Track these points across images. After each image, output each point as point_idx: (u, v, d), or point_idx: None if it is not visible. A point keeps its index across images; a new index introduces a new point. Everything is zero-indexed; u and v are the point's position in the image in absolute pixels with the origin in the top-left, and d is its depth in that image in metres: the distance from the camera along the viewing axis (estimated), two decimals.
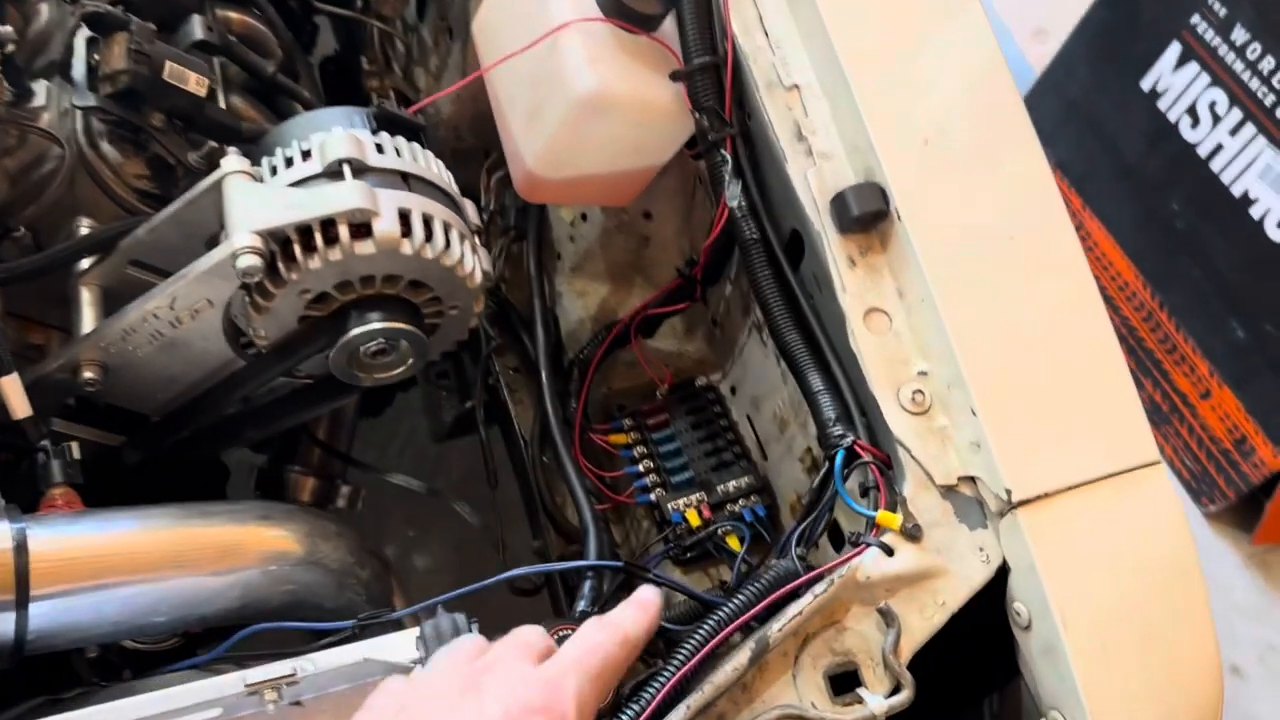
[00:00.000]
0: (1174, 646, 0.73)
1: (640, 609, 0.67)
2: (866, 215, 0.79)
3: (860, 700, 0.70)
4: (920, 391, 0.77)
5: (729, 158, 0.85)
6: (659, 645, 0.92)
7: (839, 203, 0.80)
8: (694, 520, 0.96)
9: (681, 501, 0.97)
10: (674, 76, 0.87)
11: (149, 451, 0.89)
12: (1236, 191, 1.88)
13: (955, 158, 0.81)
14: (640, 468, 1.00)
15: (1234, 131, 1.88)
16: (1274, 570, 1.91)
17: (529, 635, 0.63)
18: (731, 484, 0.99)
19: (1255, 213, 1.85)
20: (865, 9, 0.85)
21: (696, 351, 1.10)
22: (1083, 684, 0.70)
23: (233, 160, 0.80)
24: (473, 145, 1.18)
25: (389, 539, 1.37)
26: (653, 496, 0.98)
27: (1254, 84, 1.84)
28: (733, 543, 0.94)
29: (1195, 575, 0.75)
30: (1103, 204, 2.12)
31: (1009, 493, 0.73)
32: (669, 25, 0.87)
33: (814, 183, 0.82)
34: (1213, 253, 1.92)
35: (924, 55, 0.85)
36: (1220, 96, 1.90)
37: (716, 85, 0.86)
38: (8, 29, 0.84)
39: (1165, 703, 0.72)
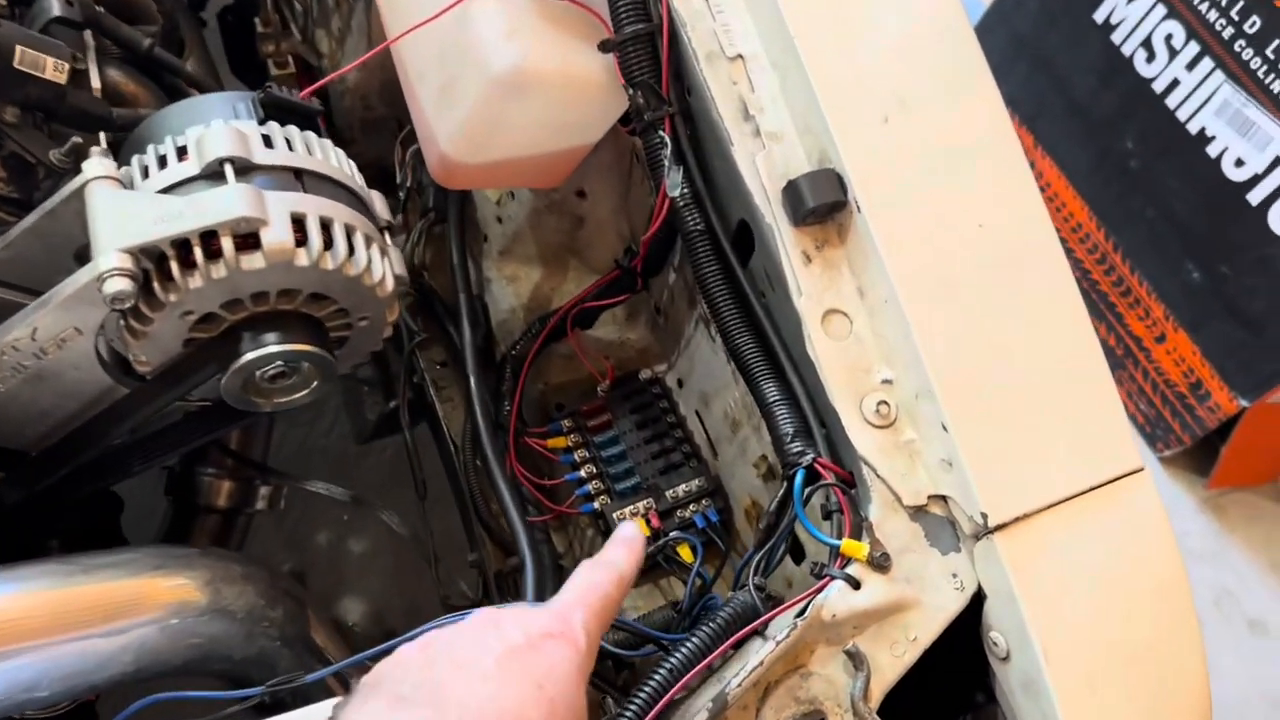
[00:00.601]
0: (1164, 678, 0.68)
1: (627, 547, 0.67)
2: (823, 206, 0.71)
3: None
4: (885, 403, 0.70)
5: (668, 140, 0.76)
6: (609, 669, 0.85)
7: (791, 192, 0.71)
8: (643, 531, 0.88)
9: (628, 510, 0.90)
10: (603, 47, 0.77)
11: (27, 490, 0.79)
12: (1193, 129, 1.82)
13: (919, 138, 0.73)
14: (582, 473, 0.92)
15: (1191, 66, 1.82)
16: (1228, 514, 1.90)
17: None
18: (681, 488, 0.91)
19: (1212, 151, 1.79)
20: None
21: (640, 340, 1.01)
22: None
23: (95, 164, 0.69)
24: (384, 114, 1.07)
25: (314, 543, 1.28)
26: (596, 505, 0.91)
27: (1212, 15, 1.76)
28: (685, 554, 0.87)
29: (1184, 594, 0.70)
30: (1055, 143, 2.05)
31: (985, 516, 0.66)
32: None
33: (763, 169, 0.73)
34: (1168, 193, 1.87)
35: (882, 18, 0.76)
36: (1176, 29, 1.83)
37: (652, 56, 0.76)
38: None
39: None
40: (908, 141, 0.73)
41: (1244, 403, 1.79)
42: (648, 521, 0.89)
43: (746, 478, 0.89)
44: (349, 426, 1.15)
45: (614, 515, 0.89)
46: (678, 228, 0.77)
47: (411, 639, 0.61)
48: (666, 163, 0.75)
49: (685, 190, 0.76)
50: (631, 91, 0.77)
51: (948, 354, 0.69)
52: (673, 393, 0.97)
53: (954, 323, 0.70)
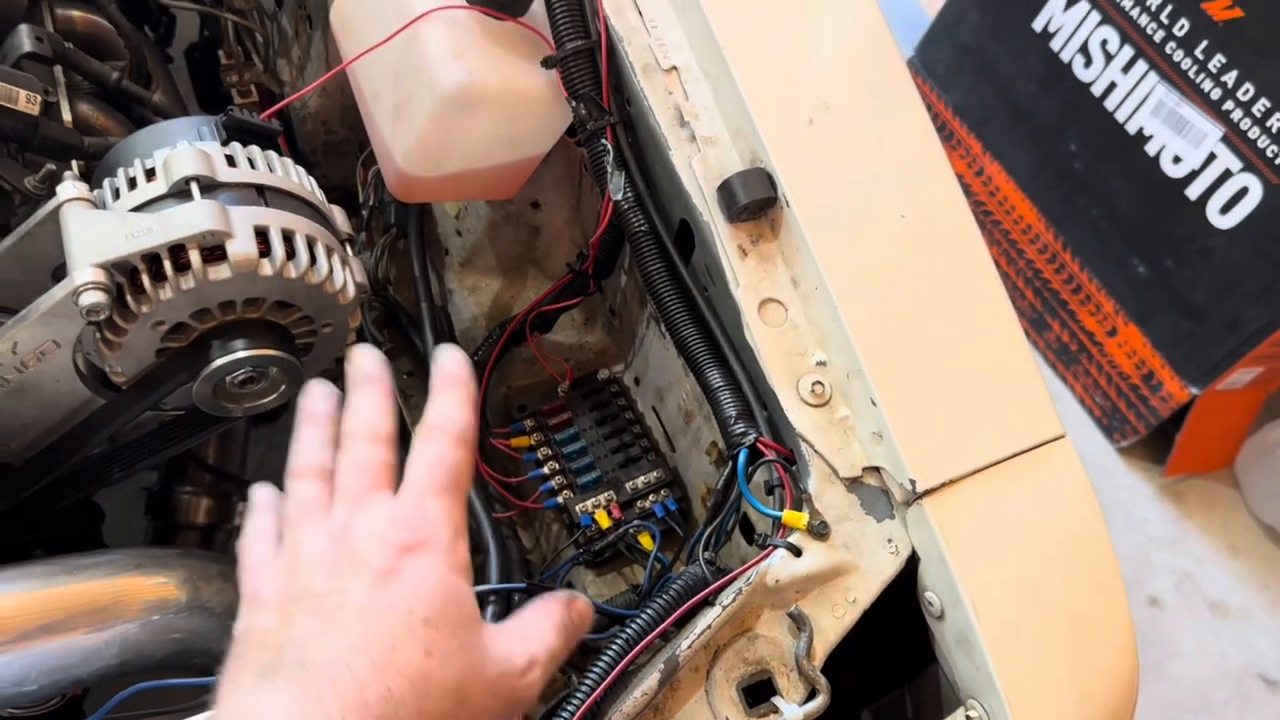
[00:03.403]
0: (1088, 623, 0.72)
1: (457, 387, 0.63)
2: (754, 203, 0.76)
3: (776, 710, 0.68)
4: (820, 383, 0.75)
5: (610, 147, 0.81)
6: (574, 654, 0.89)
7: (725, 191, 0.76)
8: (604, 521, 0.93)
9: (590, 502, 0.94)
10: (546, 63, 0.82)
11: (10, 500, 0.82)
12: (1131, 129, 1.90)
13: (842, 137, 0.78)
14: (545, 470, 0.97)
15: (1126, 69, 1.89)
16: (1186, 500, 1.96)
17: (356, 464, 0.60)
18: (640, 479, 0.96)
19: (1150, 149, 1.87)
20: None
21: (597, 343, 1.06)
22: (998, 671, 0.69)
23: (68, 187, 0.73)
24: (345, 137, 1.12)
25: None
26: (560, 499, 0.95)
27: (1143, 20, 1.84)
28: (645, 541, 0.92)
29: (1105, 548, 0.75)
30: (1002, 148, 2.12)
31: (913, 483, 0.71)
32: (537, 9, 0.82)
33: (699, 170, 0.78)
34: (1111, 191, 1.94)
35: (805, 28, 0.82)
36: (1111, 34, 1.91)
37: (592, 70, 0.81)
38: None
39: (1082, 683, 0.71)
40: (831, 141, 0.78)
41: (1194, 391, 1.85)
42: (609, 513, 0.93)
43: (701, 466, 0.93)
44: None
45: (576, 508, 0.93)
46: (624, 229, 0.82)
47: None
48: (610, 168, 0.80)
49: (628, 194, 0.81)
50: (574, 104, 0.82)
51: (875, 335, 0.74)
52: (630, 391, 1.02)
53: (880, 306, 0.75)
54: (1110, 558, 0.75)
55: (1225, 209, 1.76)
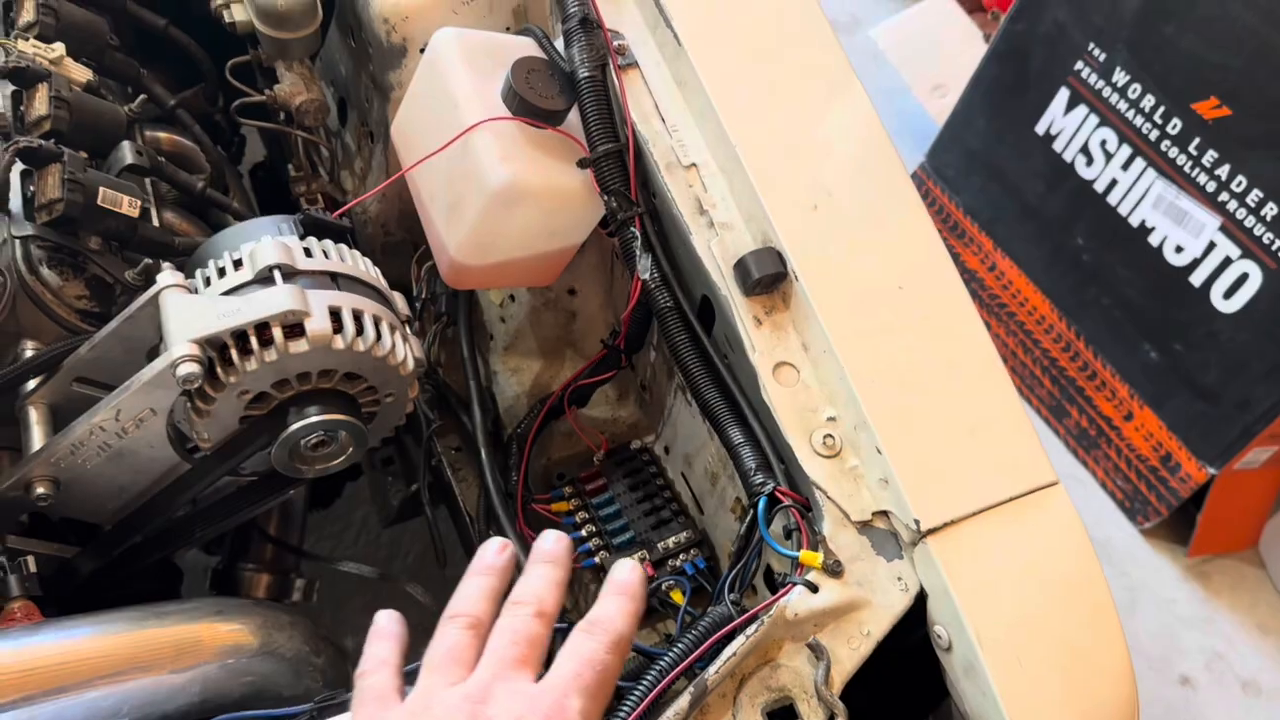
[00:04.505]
0: (1086, 653, 0.78)
1: (624, 597, 0.65)
2: (767, 278, 0.86)
3: None
4: (830, 436, 0.83)
5: (638, 234, 0.92)
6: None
7: (741, 268, 0.86)
8: (642, 569, 1.00)
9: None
10: (581, 164, 0.93)
11: (102, 559, 0.91)
12: (1134, 222, 1.99)
13: (843, 220, 0.88)
14: (583, 533, 1.04)
15: (1125, 166, 2.00)
16: (1212, 580, 1.98)
17: (514, 633, 0.62)
18: (671, 540, 1.03)
19: (1154, 240, 1.96)
20: (751, 93, 0.93)
21: (629, 416, 1.15)
22: (1003, 698, 0.75)
23: (167, 275, 0.84)
24: (402, 239, 1.24)
25: (347, 628, 1.39)
26: (597, 559, 1.02)
27: (1138, 121, 1.96)
28: (676, 596, 0.98)
29: (1099, 583, 0.81)
30: (1012, 244, 2.22)
31: (918, 522, 0.78)
32: (573, 118, 0.94)
33: (717, 251, 0.88)
34: (1119, 281, 2.03)
35: (809, 130, 0.93)
36: (1110, 135, 2.03)
37: (621, 169, 0.92)
38: None
39: (1083, 708, 0.77)
40: (835, 223, 0.89)
41: (1212, 471, 1.90)
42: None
43: (727, 524, 1.01)
44: (375, 515, 1.27)
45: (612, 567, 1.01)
46: (652, 306, 0.92)
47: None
48: (638, 252, 0.91)
49: (655, 274, 0.91)
50: (607, 198, 0.93)
51: (879, 392, 0.83)
52: (660, 459, 1.10)
53: (882, 366, 0.84)
54: (1105, 593, 0.81)
55: (1228, 294, 1.84)
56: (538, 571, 0.67)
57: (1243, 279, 1.82)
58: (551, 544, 0.69)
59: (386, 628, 0.68)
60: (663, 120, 0.94)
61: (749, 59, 0.95)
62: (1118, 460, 2.07)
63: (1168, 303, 1.94)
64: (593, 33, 0.94)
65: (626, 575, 0.68)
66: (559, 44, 0.95)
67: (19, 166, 0.94)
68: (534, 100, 0.91)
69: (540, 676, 0.61)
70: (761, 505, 0.81)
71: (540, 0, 1.07)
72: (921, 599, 0.80)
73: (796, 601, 0.76)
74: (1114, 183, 2.02)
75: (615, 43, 0.95)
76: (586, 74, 0.92)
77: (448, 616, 0.65)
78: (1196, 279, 1.89)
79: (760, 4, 0.99)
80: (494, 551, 0.69)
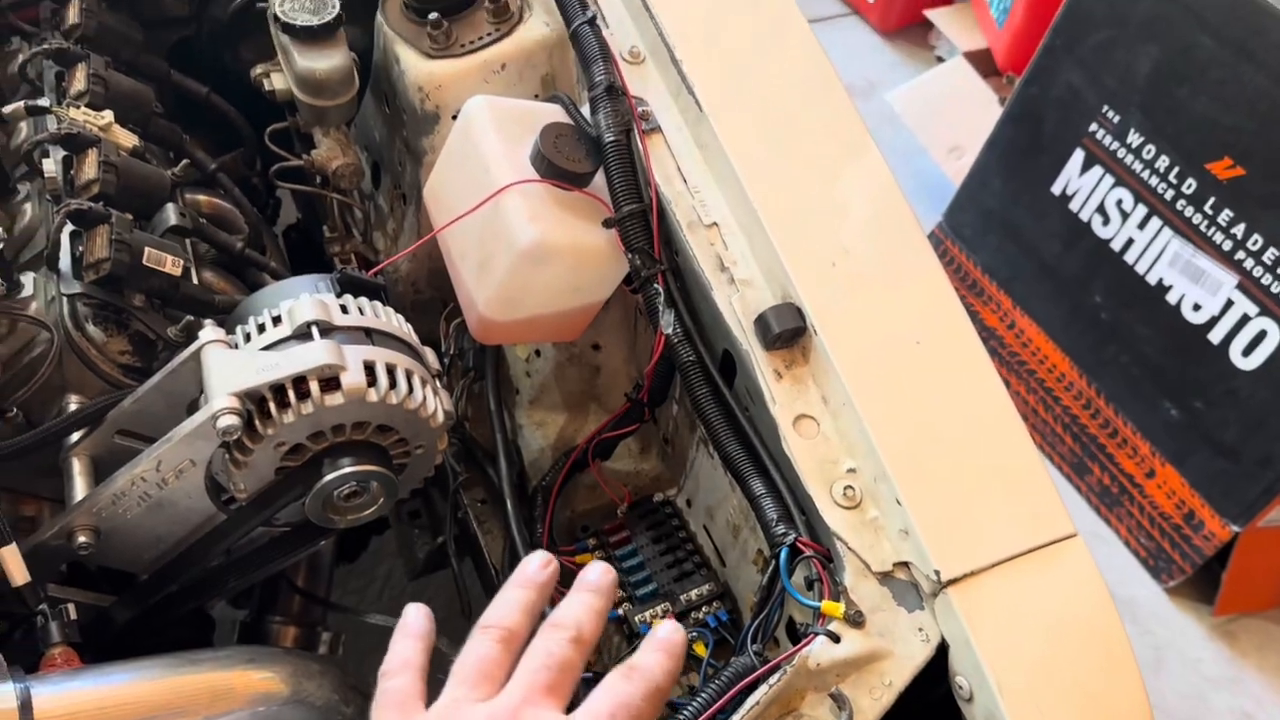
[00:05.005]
0: (1107, 703, 0.79)
1: (665, 653, 0.64)
2: (787, 332, 0.88)
3: None
4: (851, 487, 0.85)
5: (661, 290, 0.95)
6: None
7: (761, 323, 0.89)
8: (682, 633, 1.01)
9: (648, 613, 1.03)
10: (607, 224, 0.97)
11: (138, 608, 0.93)
12: (1152, 280, 2.01)
13: (860, 276, 0.91)
14: None
15: (1142, 225, 2.03)
16: (1239, 639, 1.96)
17: (549, 656, 0.61)
18: (694, 592, 1.04)
19: (1171, 299, 1.98)
20: (770, 155, 0.96)
21: (652, 469, 1.17)
22: None
23: (209, 331, 0.88)
24: (431, 297, 1.27)
25: (373, 680, 1.40)
26: (620, 611, 1.04)
27: (1153, 181, 1.99)
28: (699, 649, 0.99)
29: (1119, 635, 0.82)
30: (1031, 303, 2.24)
31: (938, 573, 0.79)
32: (599, 180, 0.98)
33: (738, 307, 0.91)
34: (1138, 339, 2.04)
35: (826, 191, 0.96)
36: (1125, 195, 2.06)
37: (645, 228, 0.96)
38: None
39: None
40: (852, 279, 0.91)
41: (1235, 528, 1.89)
42: None
43: (749, 576, 1.02)
44: (401, 568, 1.29)
45: (635, 618, 1.02)
46: (674, 361, 0.95)
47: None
48: (661, 307, 0.94)
49: (677, 329, 0.93)
50: (631, 256, 0.96)
51: (898, 444, 0.84)
52: (683, 512, 1.12)
53: (901, 418, 0.86)
54: (1125, 644, 0.82)
55: (1247, 351, 1.85)
56: (580, 598, 0.66)
57: (1261, 336, 1.83)
58: (598, 575, 0.68)
59: (415, 625, 0.67)
60: (685, 181, 0.98)
61: (767, 123, 0.99)
62: (1141, 518, 2.06)
63: (1187, 360, 1.95)
64: (618, 99, 0.98)
65: (671, 634, 0.66)
66: (585, 110, 0.99)
67: (69, 228, 0.99)
68: (561, 163, 0.94)
69: (568, 709, 0.60)
70: (783, 556, 0.83)
71: (567, 69, 1.12)
72: (943, 649, 0.80)
73: (819, 652, 0.78)
74: (1131, 242, 2.05)
75: (639, 109, 0.99)
76: (612, 138, 0.95)
77: (481, 626, 0.64)
78: (1215, 336, 1.90)
79: (778, 73, 1.03)
80: (537, 566, 0.68)
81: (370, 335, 0.90)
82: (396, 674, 0.63)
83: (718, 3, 1.08)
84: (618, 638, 1.07)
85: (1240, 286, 1.85)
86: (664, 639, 0.65)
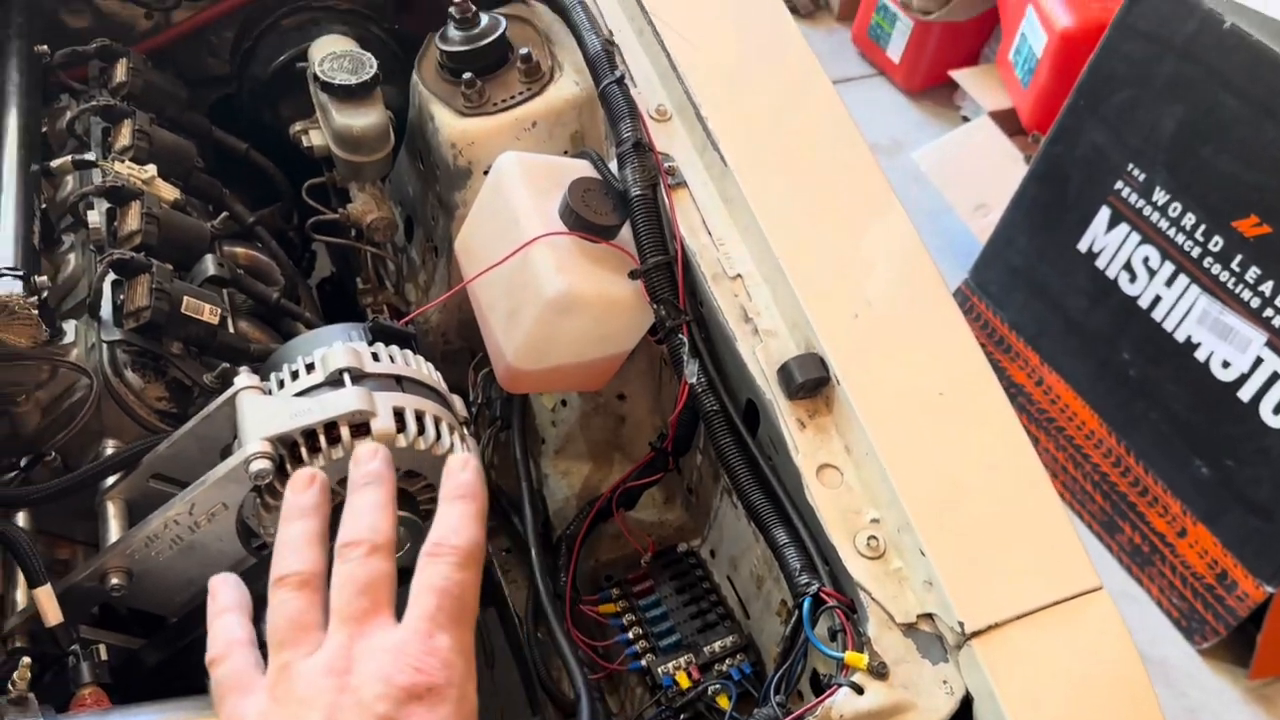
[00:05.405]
0: None
1: (464, 500, 0.59)
2: (810, 382, 0.89)
3: None
4: (874, 537, 0.85)
5: (685, 340, 0.96)
6: None
7: (784, 373, 0.90)
8: (684, 682, 1.00)
9: (671, 665, 1.02)
10: (633, 275, 0.99)
11: (167, 651, 0.94)
12: (1180, 337, 2.01)
13: (883, 328, 0.92)
14: (630, 635, 1.06)
15: (1169, 283, 2.03)
16: (1275, 704, 1.91)
17: (355, 583, 0.56)
18: (717, 644, 1.04)
19: (1200, 356, 1.97)
20: (793, 209, 0.98)
21: (676, 519, 1.17)
22: None
23: (244, 378, 0.90)
24: (460, 347, 1.29)
25: None
26: (643, 662, 1.03)
27: (1180, 239, 1.99)
28: (722, 701, 0.99)
29: (1145, 689, 0.81)
30: (1059, 359, 2.24)
31: (962, 625, 0.79)
32: (625, 232, 1.00)
33: (761, 357, 0.92)
34: (1167, 396, 2.03)
35: (849, 244, 0.98)
36: (1152, 252, 2.06)
37: (670, 280, 0.97)
38: (44, 279, 0.95)
39: None
40: (875, 330, 0.92)
41: (1270, 589, 1.86)
42: (689, 674, 1.01)
43: (773, 628, 1.02)
44: None
45: (658, 669, 1.02)
46: (698, 410, 0.96)
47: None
48: (685, 357, 0.95)
49: (702, 378, 0.95)
50: (656, 307, 0.98)
51: (921, 494, 0.85)
52: (707, 562, 1.12)
53: (924, 469, 0.86)
54: (1151, 700, 0.81)
55: (1278, 409, 1.83)
56: (361, 500, 0.60)
57: None
58: (368, 458, 0.61)
59: (225, 597, 0.61)
60: (709, 234, 1.00)
61: (791, 178, 1.01)
62: (1173, 578, 2.03)
63: (1217, 418, 1.93)
64: (645, 155, 1.00)
65: (461, 474, 0.60)
66: (613, 165, 1.02)
67: (111, 276, 1.02)
68: (589, 216, 0.97)
69: (400, 614, 0.56)
70: (806, 606, 0.83)
71: (596, 126, 1.15)
72: (967, 702, 0.80)
73: (842, 703, 0.77)
74: (1158, 299, 2.05)
75: (666, 164, 1.02)
76: (639, 192, 0.98)
77: (275, 579, 0.58)
78: (1245, 394, 1.89)
79: (802, 129, 1.06)
80: (302, 487, 0.61)
81: (400, 382, 0.92)
82: (224, 658, 0.57)
83: (743, 63, 1.11)
84: (640, 689, 1.06)
85: (1269, 344, 1.84)
86: (457, 484, 0.59)
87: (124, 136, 1.16)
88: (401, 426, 0.87)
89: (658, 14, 1.11)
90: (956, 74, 3.05)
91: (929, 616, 0.82)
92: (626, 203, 0.98)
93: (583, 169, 1.03)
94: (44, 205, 1.11)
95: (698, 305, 0.98)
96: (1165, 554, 2.04)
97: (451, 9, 1.14)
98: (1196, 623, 2.00)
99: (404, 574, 1.02)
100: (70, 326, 1.01)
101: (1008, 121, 2.81)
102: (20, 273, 0.92)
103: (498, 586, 1.16)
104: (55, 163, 1.13)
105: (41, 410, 0.99)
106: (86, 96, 1.24)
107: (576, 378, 1.07)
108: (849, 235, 0.99)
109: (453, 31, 1.15)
